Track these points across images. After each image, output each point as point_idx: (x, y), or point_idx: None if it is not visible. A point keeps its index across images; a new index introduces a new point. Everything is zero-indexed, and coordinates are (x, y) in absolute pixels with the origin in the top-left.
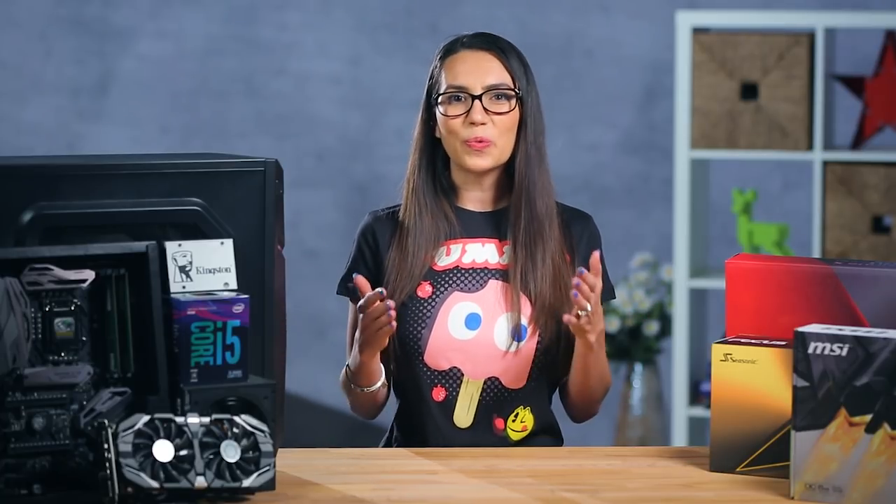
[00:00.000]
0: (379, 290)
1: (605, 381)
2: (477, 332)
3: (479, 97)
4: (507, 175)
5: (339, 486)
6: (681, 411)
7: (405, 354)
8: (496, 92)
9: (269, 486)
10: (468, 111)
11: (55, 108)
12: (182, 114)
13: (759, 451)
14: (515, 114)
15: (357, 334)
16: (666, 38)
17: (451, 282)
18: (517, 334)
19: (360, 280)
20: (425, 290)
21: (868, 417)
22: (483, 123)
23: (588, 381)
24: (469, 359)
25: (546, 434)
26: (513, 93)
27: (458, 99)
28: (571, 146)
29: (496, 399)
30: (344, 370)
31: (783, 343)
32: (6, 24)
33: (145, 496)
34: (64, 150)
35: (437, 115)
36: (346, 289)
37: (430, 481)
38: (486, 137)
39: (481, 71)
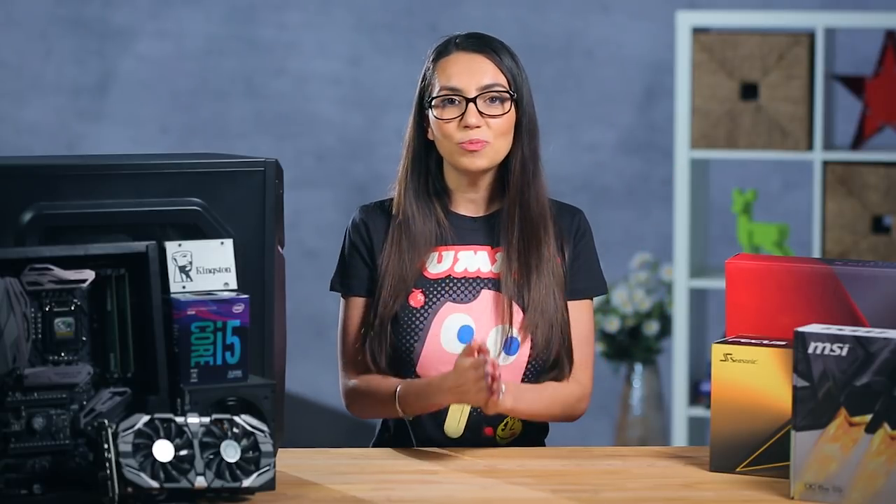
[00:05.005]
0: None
1: (558, 413)
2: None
3: (474, 100)
4: (501, 177)
5: (339, 486)
6: (681, 411)
7: (398, 365)
8: (491, 94)
9: (269, 486)
10: (462, 114)
11: (55, 108)
12: (182, 114)
13: (759, 451)
14: (511, 116)
15: (450, 383)
16: (666, 38)
17: (443, 291)
18: (508, 347)
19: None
20: (417, 298)
21: (868, 417)
22: (478, 126)
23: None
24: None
25: (532, 432)
26: (507, 94)
27: (453, 102)
28: (571, 146)
29: None
30: (373, 390)
31: (783, 343)
32: (6, 24)
33: (145, 496)
34: (64, 150)
35: (431, 117)
36: (340, 284)
37: (430, 481)
38: (481, 138)
39: (475, 72)
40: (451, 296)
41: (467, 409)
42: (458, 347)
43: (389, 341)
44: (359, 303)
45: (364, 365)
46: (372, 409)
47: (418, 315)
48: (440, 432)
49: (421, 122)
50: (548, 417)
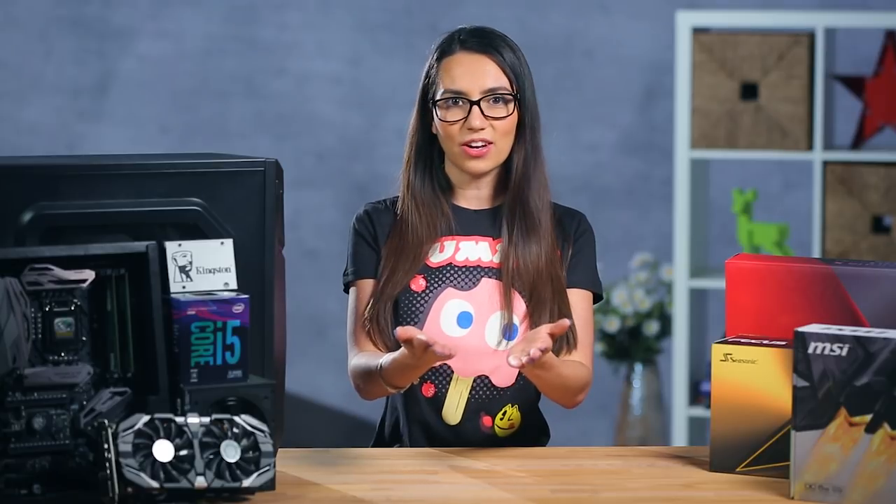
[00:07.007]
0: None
1: (572, 387)
2: (468, 331)
3: (478, 102)
4: (504, 172)
5: (339, 486)
6: (681, 411)
7: (396, 348)
8: (494, 96)
9: (269, 486)
10: (466, 116)
11: (55, 108)
12: (182, 114)
13: (759, 451)
14: (514, 116)
15: (408, 359)
16: (666, 38)
17: (444, 278)
18: (508, 333)
19: (407, 332)
20: (419, 283)
21: (868, 417)
22: (482, 129)
23: (552, 393)
24: (459, 356)
25: (533, 429)
26: (511, 95)
27: (457, 103)
28: (571, 146)
29: (485, 397)
30: (365, 365)
31: (783, 343)
32: (6, 24)
33: (145, 496)
34: (64, 150)
35: (435, 117)
36: (352, 273)
37: (430, 481)
38: (485, 139)
39: (479, 74)
40: (451, 282)
41: (465, 395)
42: (457, 331)
43: (390, 325)
44: (368, 284)
45: (367, 344)
46: (371, 386)
47: (419, 299)
48: (438, 419)
49: (424, 116)
50: (567, 386)
